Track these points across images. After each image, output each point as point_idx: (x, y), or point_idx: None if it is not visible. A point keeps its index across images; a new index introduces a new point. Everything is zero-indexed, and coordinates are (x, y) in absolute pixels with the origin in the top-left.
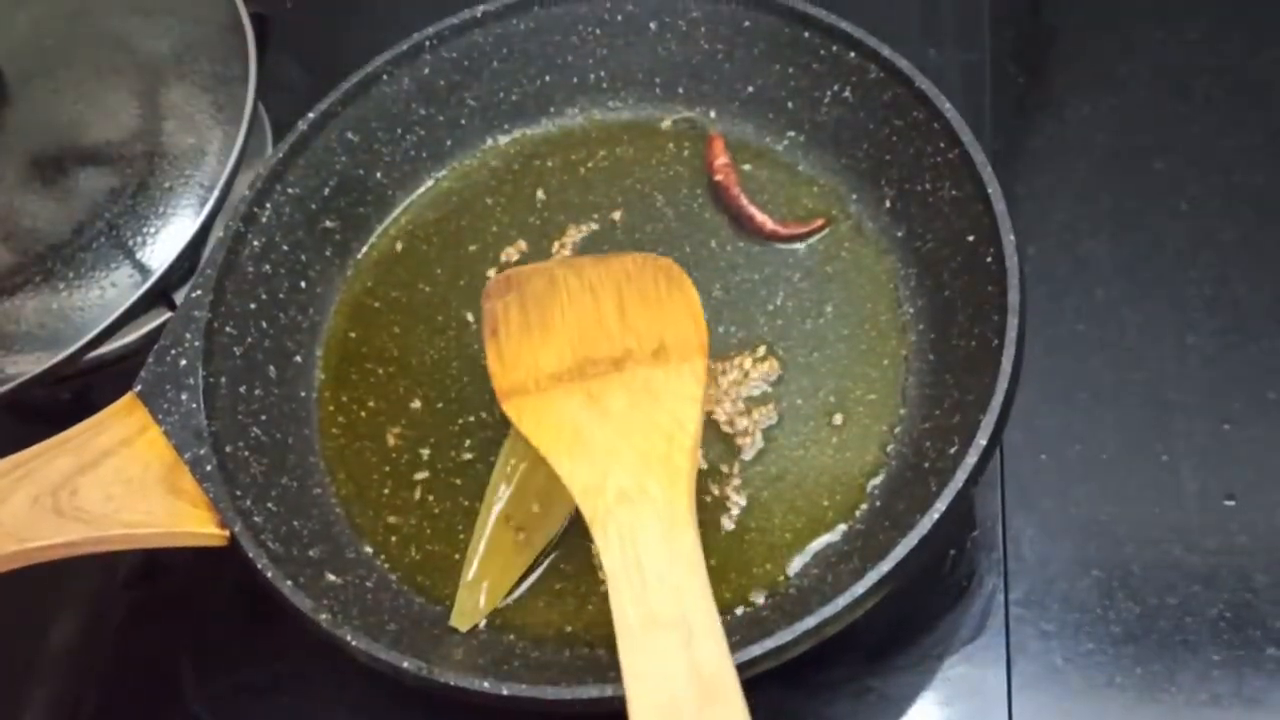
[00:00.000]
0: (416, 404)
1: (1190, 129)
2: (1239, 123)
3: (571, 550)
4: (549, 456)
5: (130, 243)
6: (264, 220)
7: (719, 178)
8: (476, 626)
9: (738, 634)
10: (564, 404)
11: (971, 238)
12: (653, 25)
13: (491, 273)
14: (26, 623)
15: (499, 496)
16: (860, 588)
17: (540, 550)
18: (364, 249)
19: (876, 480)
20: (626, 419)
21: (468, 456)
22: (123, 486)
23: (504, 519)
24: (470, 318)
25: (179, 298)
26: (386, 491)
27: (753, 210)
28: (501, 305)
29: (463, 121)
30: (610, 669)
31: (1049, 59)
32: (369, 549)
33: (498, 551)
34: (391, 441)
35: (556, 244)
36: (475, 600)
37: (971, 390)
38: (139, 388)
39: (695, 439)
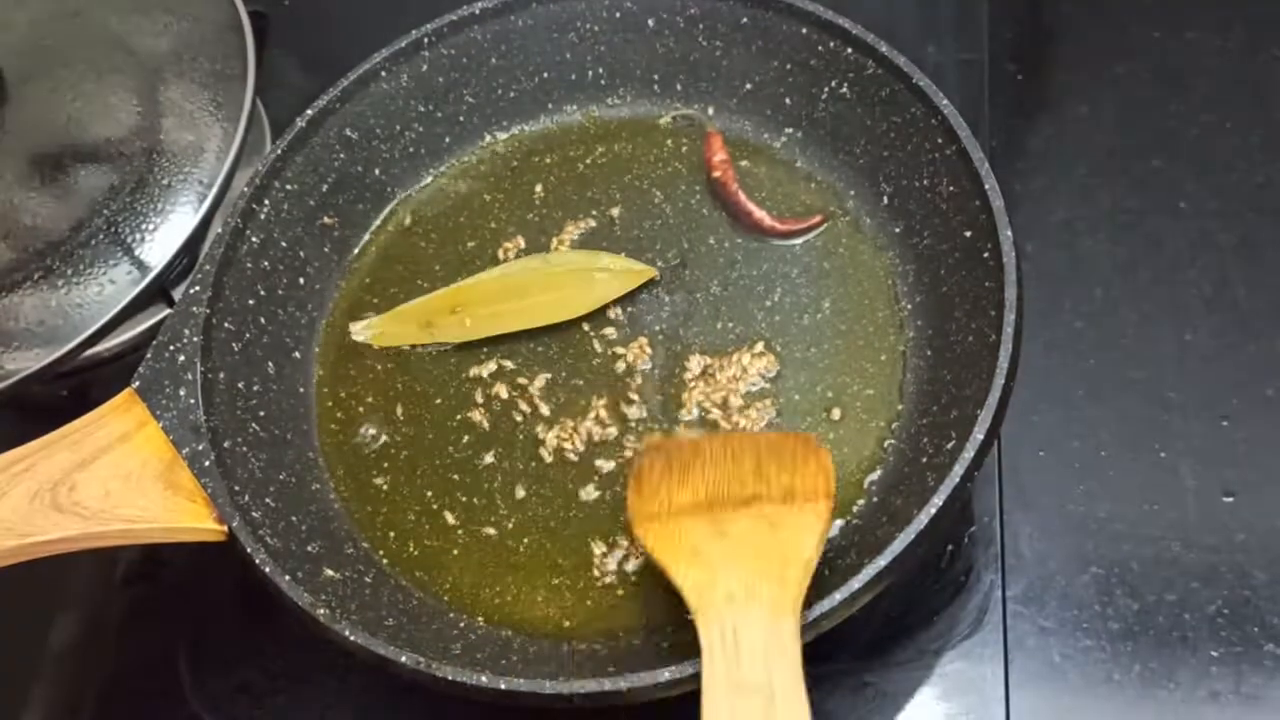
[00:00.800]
0: (414, 400)
1: (1189, 128)
2: (1238, 122)
3: (570, 546)
4: (666, 567)
5: (129, 239)
6: (262, 217)
7: (717, 174)
8: (475, 621)
9: None
10: (690, 527)
11: (969, 234)
12: (651, 22)
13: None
14: (26, 621)
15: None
16: (857, 582)
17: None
18: (362, 245)
19: (874, 475)
20: (746, 541)
21: (465, 452)
22: (121, 482)
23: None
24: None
25: (178, 294)
26: (385, 486)
27: (751, 206)
28: (647, 460)
29: (461, 118)
30: (608, 664)
31: (1048, 57)
32: (367, 544)
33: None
34: (389, 437)
35: (555, 240)
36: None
37: (969, 386)
38: (137, 384)
39: (811, 562)
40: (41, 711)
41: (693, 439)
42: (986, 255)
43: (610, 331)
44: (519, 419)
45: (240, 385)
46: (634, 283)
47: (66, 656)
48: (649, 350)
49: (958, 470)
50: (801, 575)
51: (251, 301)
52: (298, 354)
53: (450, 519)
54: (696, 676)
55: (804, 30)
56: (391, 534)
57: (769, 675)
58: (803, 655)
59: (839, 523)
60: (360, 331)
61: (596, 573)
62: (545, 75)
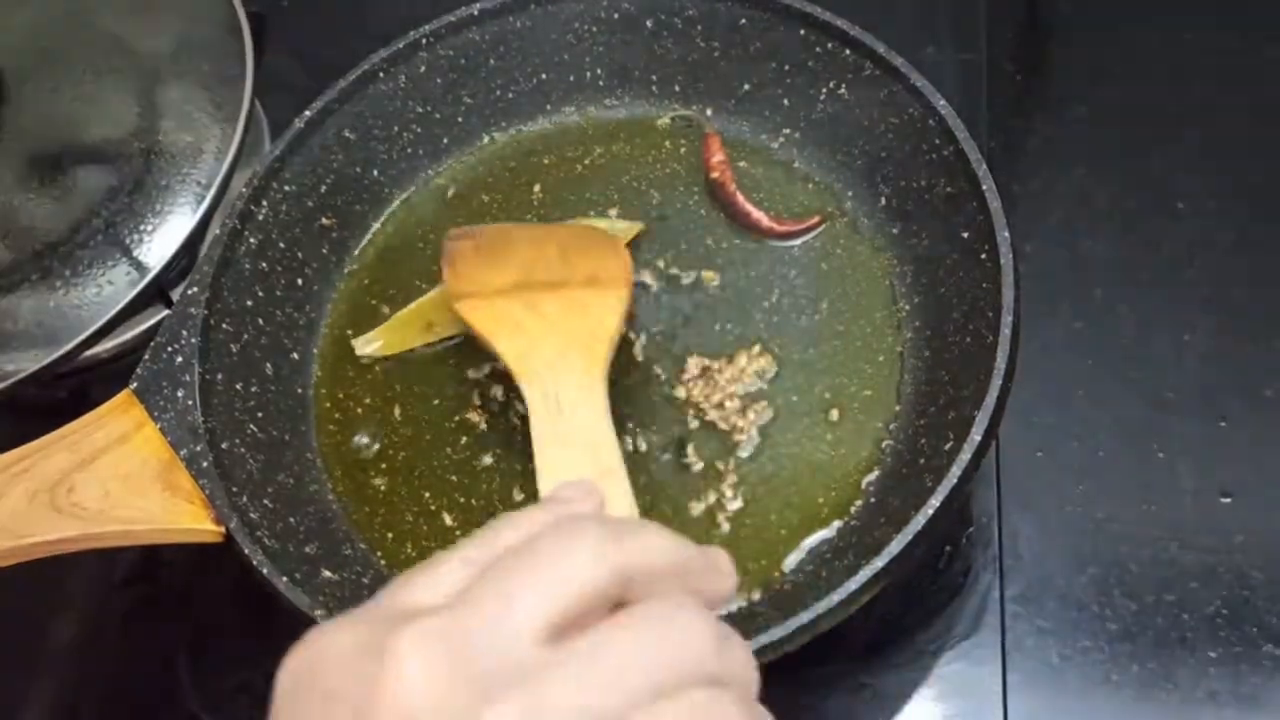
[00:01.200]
0: (413, 401)
1: (1188, 128)
2: (1237, 122)
3: None
4: (489, 338)
5: (127, 240)
6: (261, 218)
7: (715, 175)
8: None
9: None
10: (507, 305)
11: (967, 235)
12: (649, 23)
13: None
14: (25, 622)
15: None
16: (855, 583)
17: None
18: (361, 246)
19: (872, 476)
20: (558, 319)
21: (464, 453)
22: (119, 483)
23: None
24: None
25: (176, 295)
26: (383, 487)
27: (749, 207)
28: (458, 246)
29: (459, 119)
30: None
31: (1046, 58)
32: (365, 545)
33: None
34: (388, 438)
35: None
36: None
37: (966, 386)
38: (135, 385)
39: (614, 338)
40: (41, 712)
41: (498, 226)
42: (984, 256)
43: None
44: (517, 420)
45: (238, 386)
46: (626, 238)
47: (66, 657)
48: (646, 351)
49: (955, 471)
50: (607, 348)
51: (250, 302)
52: (296, 355)
53: (448, 520)
54: None
55: (802, 31)
56: (389, 535)
57: (589, 431)
58: (800, 656)
59: (836, 523)
60: (365, 346)
61: None
62: (543, 76)
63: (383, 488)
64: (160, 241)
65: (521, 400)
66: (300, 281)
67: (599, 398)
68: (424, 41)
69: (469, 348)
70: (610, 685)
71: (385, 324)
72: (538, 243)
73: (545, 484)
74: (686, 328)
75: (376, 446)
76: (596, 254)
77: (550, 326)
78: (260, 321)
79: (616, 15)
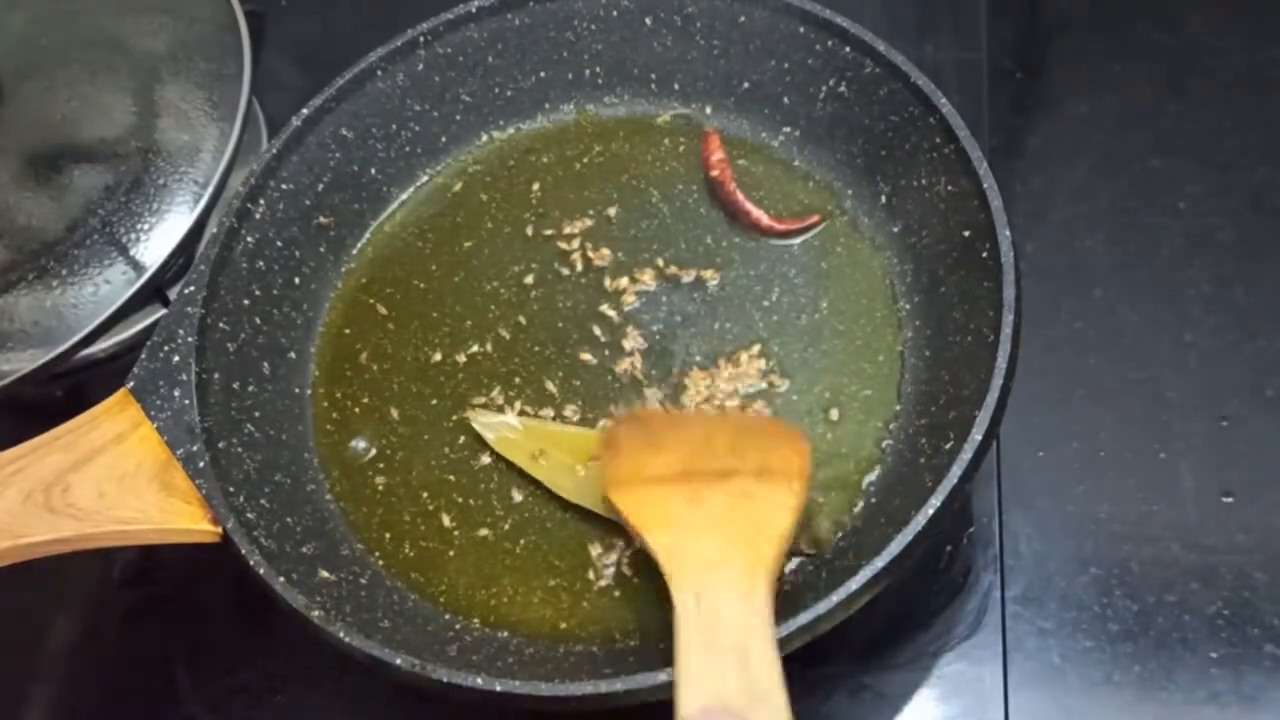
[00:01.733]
0: (410, 401)
1: (1188, 127)
2: (1237, 120)
3: (567, 548)
4: (642, 530)
5: (124, 239)
6: (258, 216)
7: (715, 173)
8: (471, 623)
9: None
10: (665, 495)
11: (967, 233)
12: (648, 21)
13: (486, 270)
14: (23, 623)
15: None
16: (854, 584)
17: None
18: (358, 245)
19: (872, 476)
20: (721, 511)
21: (462, 453)
22: (115, 483)
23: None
24: (464, 314)
25: (173, 294)
26: (381, 488)
27: (749, 206)
28: (623, 429)
29: (457, 117)
30: (604, 666)
31: (1047, 56)
32: (362, 545)
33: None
34: (385, 438)
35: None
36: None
37: (967, 386)
38: (131, 384)
39: (785, 536)
40: (40, 712)
41: (668, 412)
42: (985, 255)
43: (606, 336)
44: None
45: (235, 386)
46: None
47: (64, 657)
48: (646, 352)
49: (955, 471)
50: (775, 547)
51: (247, 302)
52: (293, 354)
53: (446, 520)
54: None
55: (802, 29)
56: (387, 535)
57: (742, 638)
58: (800, 658)
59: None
60: (484, 428)
61: (593, 575)
62: (542, 74)
63: (380, 487)
64: (157, 240)
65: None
66: (298, 280)
67: (761, 608)
68: (422, 40)
69: (466, 341)
70: None
71: (515, 419)
72: (707, 430)
73: (687, 695)
74: (686, 327)
75: (374, 446)
76: (770, 443)
77: (712, 522)
78: (257, 320)
79: (615, 13)
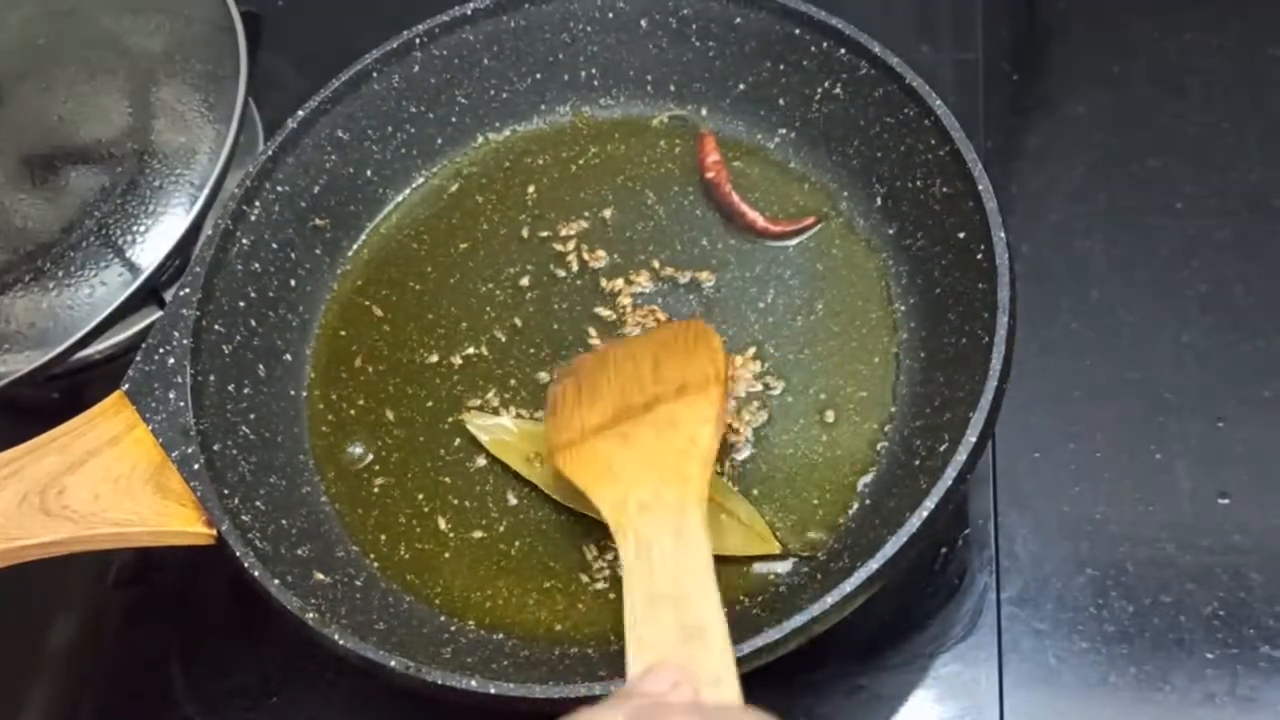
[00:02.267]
0: (406, 403)
1: (1186, 127)
2: (1234, 121)
3: (562, 549)
4: (586, 489)
5: (120, 241)
6: (253, 218)
7: (710, 175)
8: (466, 625)
9: None
10: (601, 446)
11: (962, 235)
12: (644, 23)
13: (481, 272)
14: (19, 624)
15: None
16: (849, 585)
17: None
18: (354, 247)
19: (867, 478)
20: (649, 446)
21: (457, 455)
22: (110, 485)
23: None
24: (460, 316)
25: (169, 296)
26: (376, 490)
27: (744, 208)
28: (561, 388)
29: (453, 119)
30: (599, 668)
31: (1044, 57)
32: (357, 547)
33: None
34: (381, 441)
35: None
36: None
37: (962, 388)
38: (127, 386)
39: (708, 451)
40: (36, 713)
41: (597, 351)
42: (980, 257)
43: (600, 340)
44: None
45: (230, 388)
46: (751, 550)
47: (60, 659)
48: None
49: (950, 473)
50: (701, 468)
51: (242, 304)
52: (289, 357)
53: (441, 522)
54: None
55: (797, 31)
56: (382, 537)
57: (677, 580)
58: (796, 659)
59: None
60: (478, 430)
61: (588, 577)
62: (538, 76)
63: (376, 490)
64: (153, 242)
65: (516, 403)
66: (293, 282)
67: (695, 542)
68: (418, 41)
69: (461, 343)
70: None
71: (509, 421)
72: (633, 358)
73: (632, 656)
74: None
75: (370, 448)
76: (687, 353)
77: (640, 458)
78: (253, 323)
79: (611, 14)
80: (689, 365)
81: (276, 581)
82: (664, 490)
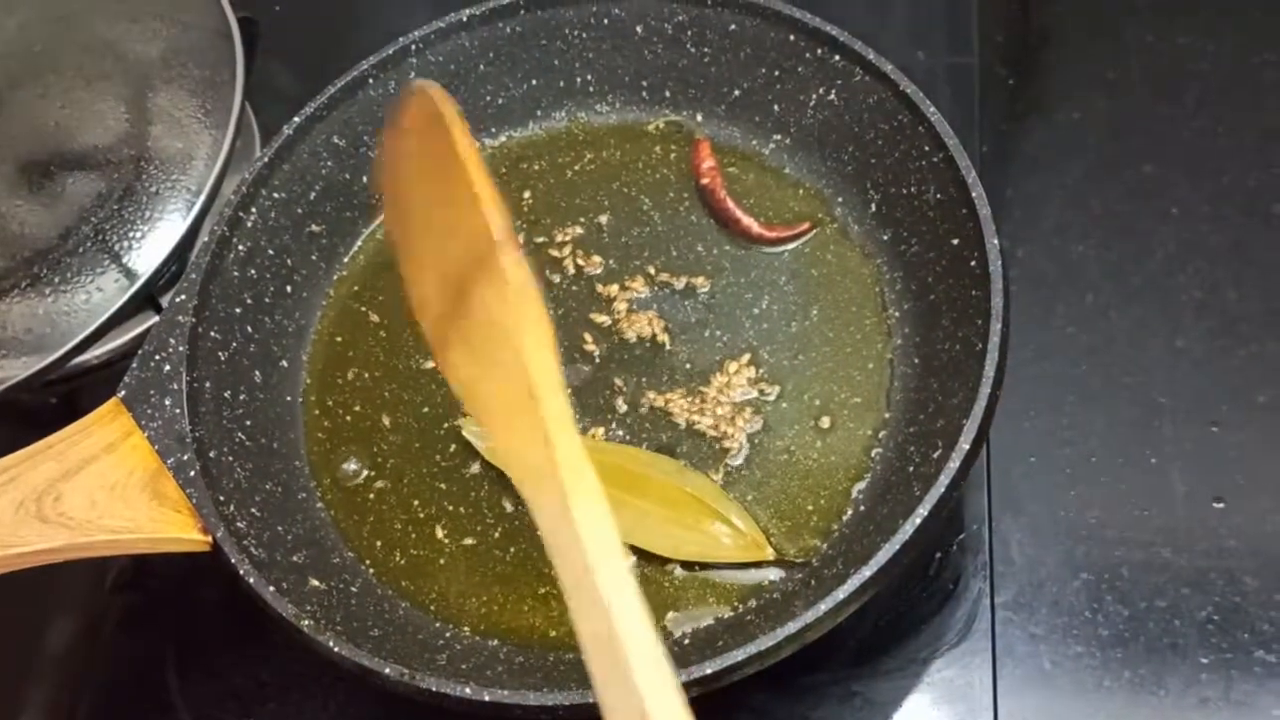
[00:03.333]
0: (402, 409)
1: (1180, 133)
2: (1229, 126)
3: None
4: (480, 420)
5: (117, 247)
6: (249, 225)
7: (705, 181)
8: (461, 631)
9: (722, 639)
10: (456, 362)
11: (956, 241)
12: (639, 29)
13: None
14: (16, 629)
15: None
16: (843, 592)
17: None
18: (350, 253)
19: (861, 485)
20: (490, 365)
21: (453, 461)
22: (106, 492)
23: None
24: None
25: (166, 302)
26: (372, 496)
27: (739, 213)
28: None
29: None
30: None
31: (1039, 62)
32: (353, 554)
33: None
34: (377, 447)
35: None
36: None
37: (955, 394)
38: (123, 393)
39: (546, 378)
40: (32, 718)
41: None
42: (973, 263)
43: (595, 346)
44: None
45: (226, 394)
46: (745, 556)
47: (56, 664)
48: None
49: (944, 480)
50: (553, 408)
51: (238, 310)
52: (285, 363)
53: (437, 529)
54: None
55: (791, 37)
56: (378, 543)
57: (579, 543)
58: (790, 665)
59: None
60: (475, 437)
61: None
62: (533, 82)
63: (371, 496)
64: (150, 248)
65: None
66: (289, 289)
67: (587, 508)
68: (414, 48)
69: None
70: None
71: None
72: (424, 210)
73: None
74: (675, 335)
75: (365, 455)
76: (465, 208)
77: (494, 387)
78: (249, 329)
79: (606, 21)
80: (472, 225)
81: (272, 588)
82: (528, 452)
